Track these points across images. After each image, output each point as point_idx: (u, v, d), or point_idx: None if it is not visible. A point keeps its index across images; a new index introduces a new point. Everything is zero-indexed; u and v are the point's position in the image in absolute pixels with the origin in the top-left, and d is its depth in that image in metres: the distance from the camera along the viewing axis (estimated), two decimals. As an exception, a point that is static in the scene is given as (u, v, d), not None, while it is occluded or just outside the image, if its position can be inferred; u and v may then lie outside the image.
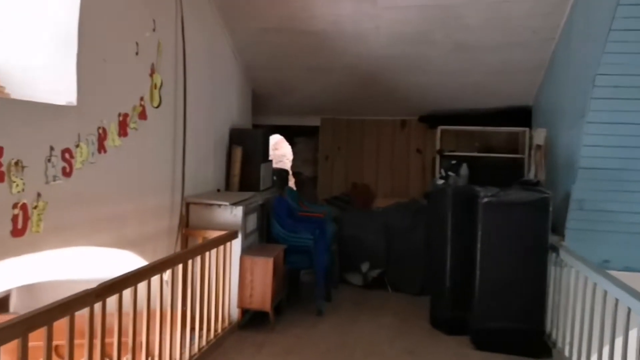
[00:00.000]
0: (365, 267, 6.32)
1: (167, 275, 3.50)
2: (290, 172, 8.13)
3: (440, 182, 4.90)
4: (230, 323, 4.60)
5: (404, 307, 5.62)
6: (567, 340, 4.08)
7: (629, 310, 3.04)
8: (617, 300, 3.21)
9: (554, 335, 4.43)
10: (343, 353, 4.37)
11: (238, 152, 5.80)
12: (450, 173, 6.77)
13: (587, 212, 4.86)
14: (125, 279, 2.91)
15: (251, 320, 4.86)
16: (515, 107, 6.89)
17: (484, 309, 4.47)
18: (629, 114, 4.35)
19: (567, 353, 4.07)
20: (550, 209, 4.37)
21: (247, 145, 5.87)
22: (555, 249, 4.40)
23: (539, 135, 6.22)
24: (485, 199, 4.39)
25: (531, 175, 6.59)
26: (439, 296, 4.95)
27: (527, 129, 6.82)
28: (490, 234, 4.44)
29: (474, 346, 4.51)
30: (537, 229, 4.37)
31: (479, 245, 4.47)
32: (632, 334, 3.16)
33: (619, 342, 3.34)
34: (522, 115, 6.91)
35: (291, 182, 8.02)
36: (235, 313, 4.69)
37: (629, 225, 4.84)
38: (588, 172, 4.66)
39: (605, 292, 3.39)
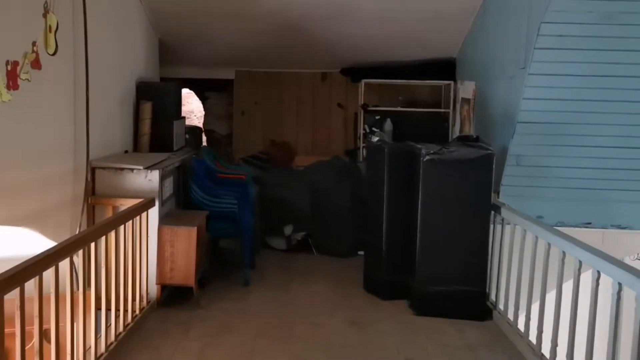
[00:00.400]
0: (288, 230, 5.94)
1: (77, 256, 2.92)
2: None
3: (375, 139, 4.56)
4: (148, 302, 4.08)
5: (334, 271, 5.32)
6: (511, 301, 3.95)
7: (595, 270, 2.88)
8: (580, 262, 3.04)
9: (493, 296, 4.30)
10: (282, 328, 3.98)
11: (147, 108, 5.14)
12: (374, 129, 6.51)
13: (523, 167, 4.76)
14: (27, 268, 2.32)
15: (171, 296, 4.35)
16: (439, 59, 6.67)
17: (425, 272, 4.24)
18: (571, 65, 4.19)
19: (510, 316, 3.94)
20: (494, 165, 4.16)
21: (157, 100, 5.21)
22: (497, 208, 4.23)
23: (466, 89, 6.05)
24: (428, 157, 4.10)
25: (456, 130, 6.45)
26: (375, 260, 4.67)
27: (451, 82, 6.64)
28: (432, 193, 4.17)
29: (414, 312, 4.29)
30: (481, 187, 4.16)
31: (419, 206, 4.19)
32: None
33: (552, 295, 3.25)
34: (445, 68, 6.71)
35: (204, 141, 7.43)
36: (153, 290, 4.16)
37: (564, 180, 4.80)
38: (527, 126, 4.51)
39: (564, 253, 3.22)
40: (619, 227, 5.13)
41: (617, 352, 2.59)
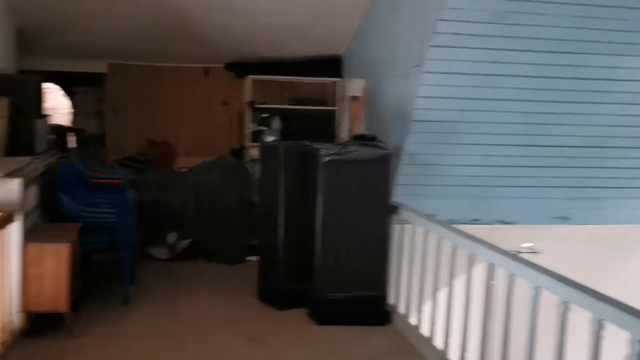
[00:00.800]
0: (172, 237, 5.52)
1: None
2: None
3: (271, 138, 4.29)
4: (12, 333, 3.49)
5: (224, 280, 4.98)
6: (413, 304, 3.86)
7: (500, 269, 2.82)
8: (493, 265, 2.97)
9: (393, 299, 4.20)
10: (171, 351, 3.58)
11: (3, 105, 4.46)
12: (262, 127, 6.24)
13: (416, 166, 4.72)
14: None
15: (39, 324, 3.74)
16: (325, 56, 6.53)
17: (325, 279, 4.03)
18: (464, 64, 4.19)
19: (412, 320, 3.85)
20: (392, 165, 4.05)
21: (14, 96, 4.54)
22: (396, 208, 4.12)
23: (355, 86, 5.94)
24: (327, 158, 3.90)
25: (344, 129, 6.35)
26: (270, 267, 4.40)
27: (338, 80, 6.51)
28: (332, 195, 3.97)
29: (314, 321, 4.07)
30: (380, 187, 4.03)
31: (319, 209, 3.98)
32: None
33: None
34: (331, 65, 6.59)
35: (71, 142, 6.71)
36: (17, 319, 3.57)
37: (454, 177, 4.83)
38: (421, 124, 4.46)
39: (474, 255, 3.15)
40: (504, 222, 5.27)
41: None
